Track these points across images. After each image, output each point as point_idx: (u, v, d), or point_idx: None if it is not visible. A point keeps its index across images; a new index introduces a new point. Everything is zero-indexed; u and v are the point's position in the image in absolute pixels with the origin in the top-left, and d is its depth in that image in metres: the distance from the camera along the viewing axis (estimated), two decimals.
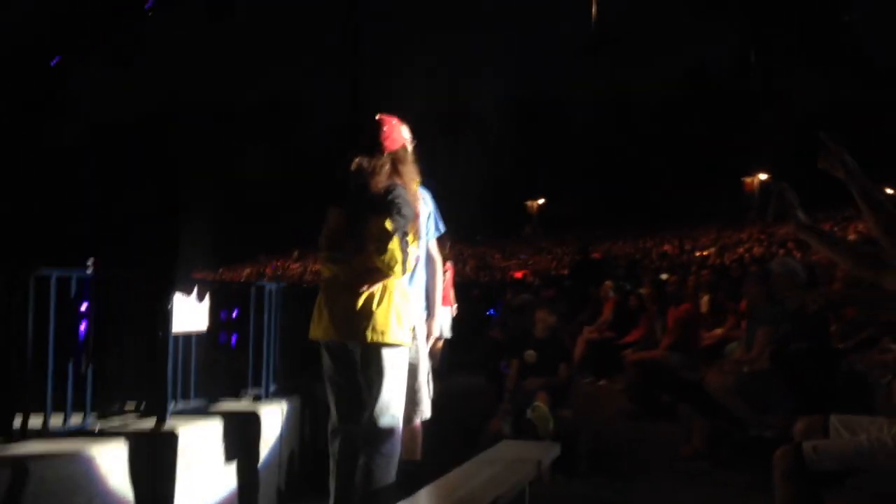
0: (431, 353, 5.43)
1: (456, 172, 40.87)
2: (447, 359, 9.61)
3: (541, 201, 46.91)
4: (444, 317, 8.93)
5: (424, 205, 4.08)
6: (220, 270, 39.90)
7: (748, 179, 34.87)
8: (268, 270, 35.98)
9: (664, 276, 9.75)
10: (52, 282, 3.35)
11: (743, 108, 40.89)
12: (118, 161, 46.27)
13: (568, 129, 52.52)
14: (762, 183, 32.55)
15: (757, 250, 15.96)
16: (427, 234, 4.18)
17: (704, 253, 18.61)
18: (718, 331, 7.78)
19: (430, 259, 4.26)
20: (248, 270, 38.49)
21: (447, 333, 8.92)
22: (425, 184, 4.14)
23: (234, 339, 4.60)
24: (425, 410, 4.23)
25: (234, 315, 4.59)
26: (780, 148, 38.57)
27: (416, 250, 3.60)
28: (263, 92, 55.71)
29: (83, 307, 3.59)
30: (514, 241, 38.34)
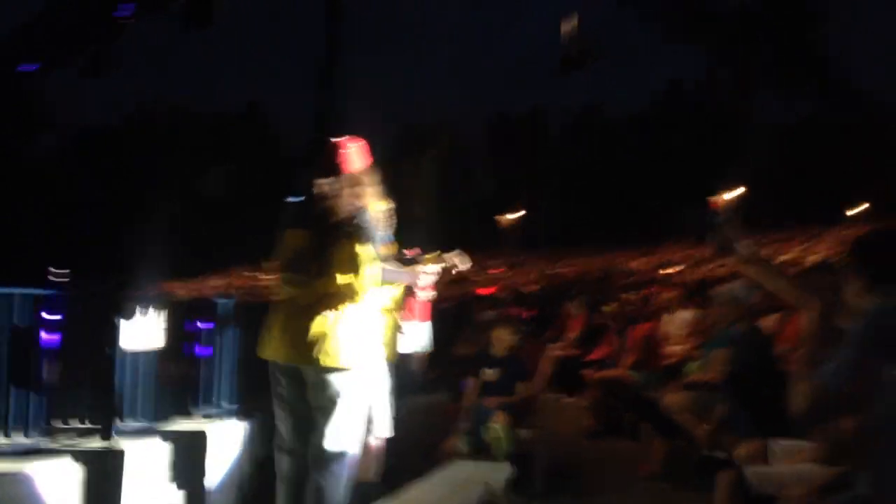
0: (413, 366, 5.46)
1: (431, 186, 40.92)
2: (424, 373, 9.60)
3: (517, 215, 46.99)
4: (425, 332, 8.94)
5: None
6: (189, 282, 39.49)
7: (719, 196, 35.23)
8: (236, 282, 35.64)
9: (626, 296, 9.81)
10: None
11: (715, 126, 41.41)
12: (85, 171, 45.89)
13: (544, 144, 52.90)
14: (726, 202, 32.90)
15: (721, 270, 16.09)
16: None
17: (671, 270, 18.75)
18: (677, 349, 7.83)
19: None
20: (217, 282, 38.09)
21: (424, 348, 8.92)
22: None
23: (198, 349, 4.57)
24: (382, 429, 4.22)
25: (188, 328, 4.55)
26: (753, 164, 39.06)
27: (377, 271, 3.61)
28: (238, 103, 55.40)
29: (32, 324, 3.55)
30: (489, 256, 38.36)
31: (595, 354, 9.22)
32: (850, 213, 33.81)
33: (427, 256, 4.44)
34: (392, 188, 3.91)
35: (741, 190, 33.45)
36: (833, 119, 39.64)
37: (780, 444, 2.93)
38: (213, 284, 35.74)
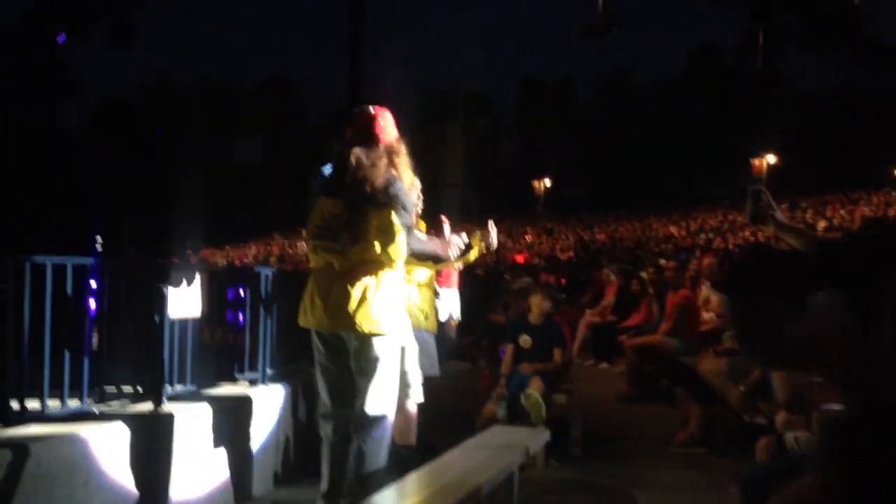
0: (446, 334, 5.53)
1: (461, 153, 40.79)
2: (455, 341, 9.69)
3: (547, 182, 46.72)
4: (454, 300, 9.03)
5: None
6: (226, 249, 39.96)
7: (756, 161, 34.74)
8: (274, 250, 35.98)
9: (663, 262, 9.76)
10: (49, 269, 3.40)
11: (750, 89, 40.66)
12: (118, 141, 46.43)
13: (573, 109, 52.35)
14: (769, 166, 32.45)
15: (762, 234, 15.91)
16: None
17: (710, 237, 18.58)
18: (715, 315, 7.79)
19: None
20: (254, 250, 38.48)
21: (456, 316, 9.00)
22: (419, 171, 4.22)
23: (240, 316, 4.65)
24: (417, 395, 4.31)
25: (230, 297, 4.64)
26: (788, 129, 38.38)
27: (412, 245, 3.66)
28: (266, 70, 55.48)
29: (81, 292, 3.64)
30: (520, 222, 38.26)
31: (631, 321, 9.23)
32: (894, 173, 33.02)
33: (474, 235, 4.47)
34: (422, 155, 3.93)
35: (776, 157, 32.94)
36: (870, 83, 38.73)
37: (823, 412, 2.92)
38: (250, 252, 36.15)
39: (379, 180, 3.50)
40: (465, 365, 9.41)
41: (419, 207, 4.33)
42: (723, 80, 45.08)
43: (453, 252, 4.08)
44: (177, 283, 3.87)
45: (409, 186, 3.70)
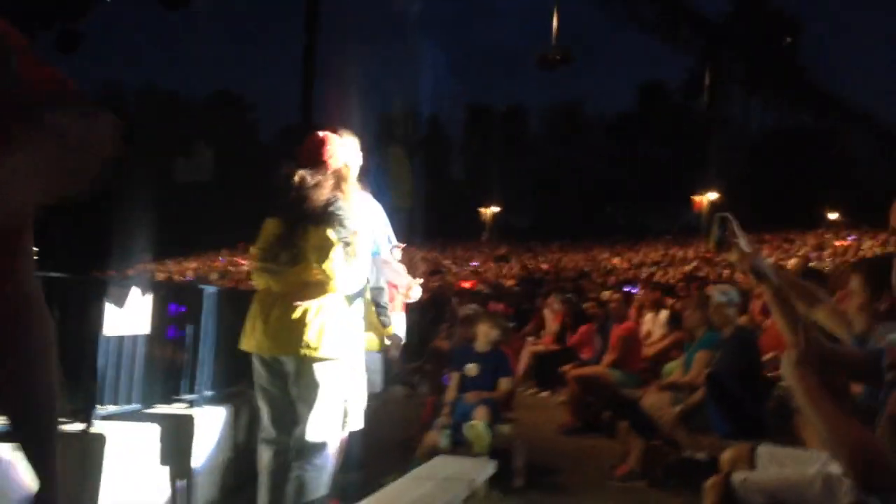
0: (389, 359, 5.44)
1: (411, 176, 40.79)
2: (402, 365, 9.54)
3: (495, 209, 46.99)
4: (400, 323, 8.89)
5: (374, 218, 4.10)
6: (167, 263, 39.10)
7: (697, 198, 35.63)
8: (215, 265, 35.32)
9: (607, 294, 9.85)
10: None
11: (694, 128, 41.78)
12: None
13: (523, 139, 52.99)
14: (710, 203, 33.27)
15: (703, 270, 16.22)
16: (378, 247, 4.22)
17: (652, 271, 18.88)
18: (657, 348, 7.87)
19: (385, 264, 4.30)
20: (194, 265, 37.71)
21: (403, 339, 8.86)
22: (376, 196, 4.18)
23: (174, 333, 4.50)
24: (356, 422, 4.21)
25: (172, 312, 4.50)
26: (730, 168, 39.44)
27: (357, 267, 3.56)
28: (217, 84, 55.01)
29: None
30: (468, 248, 38.33)
31: (579, 352, 9.25)
32: (829, 216, 34.27)
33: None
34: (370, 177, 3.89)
35: (717, 194, 33.84)
36: (809, 128, 40.21)
37: (768, 451, 2.92)
38: (190, 267, 35.43)
39: (320, 200, 3.44)
40: (405, 390, 9.29)
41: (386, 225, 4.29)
42: (670, 118, 46.19)
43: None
44: (116, 300, 3.72)
45: (355, 211, 3.61)
